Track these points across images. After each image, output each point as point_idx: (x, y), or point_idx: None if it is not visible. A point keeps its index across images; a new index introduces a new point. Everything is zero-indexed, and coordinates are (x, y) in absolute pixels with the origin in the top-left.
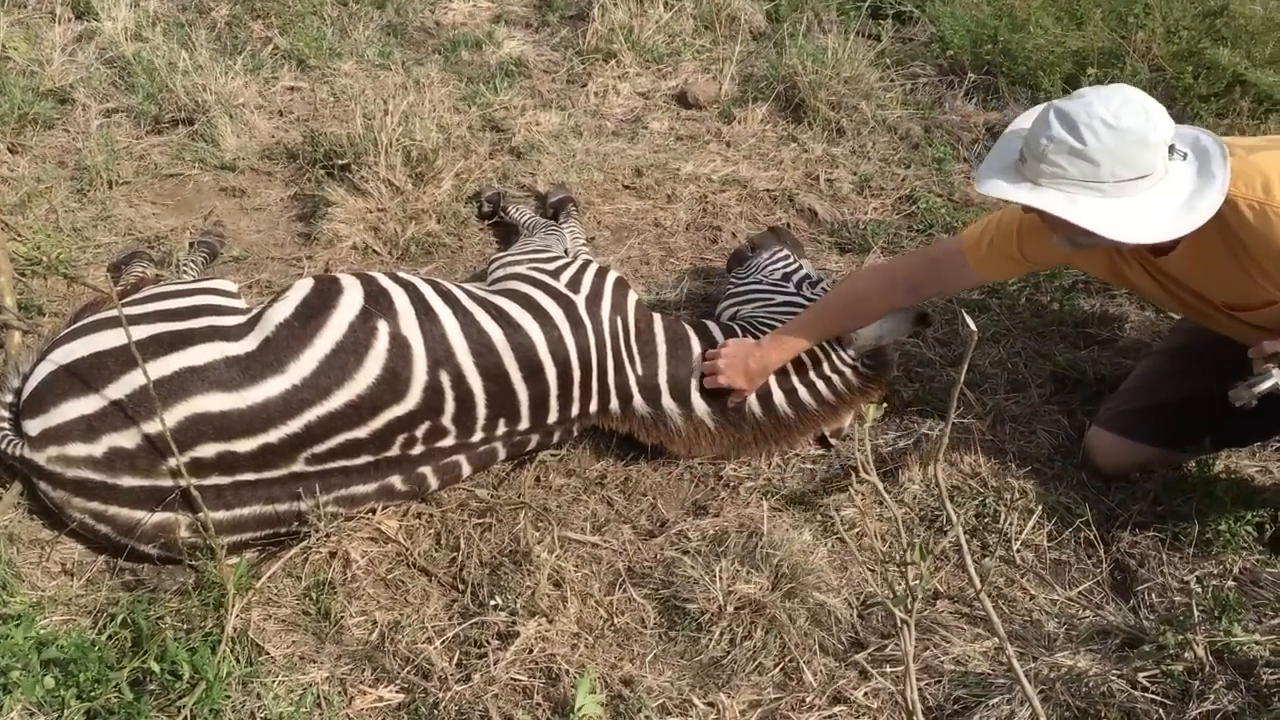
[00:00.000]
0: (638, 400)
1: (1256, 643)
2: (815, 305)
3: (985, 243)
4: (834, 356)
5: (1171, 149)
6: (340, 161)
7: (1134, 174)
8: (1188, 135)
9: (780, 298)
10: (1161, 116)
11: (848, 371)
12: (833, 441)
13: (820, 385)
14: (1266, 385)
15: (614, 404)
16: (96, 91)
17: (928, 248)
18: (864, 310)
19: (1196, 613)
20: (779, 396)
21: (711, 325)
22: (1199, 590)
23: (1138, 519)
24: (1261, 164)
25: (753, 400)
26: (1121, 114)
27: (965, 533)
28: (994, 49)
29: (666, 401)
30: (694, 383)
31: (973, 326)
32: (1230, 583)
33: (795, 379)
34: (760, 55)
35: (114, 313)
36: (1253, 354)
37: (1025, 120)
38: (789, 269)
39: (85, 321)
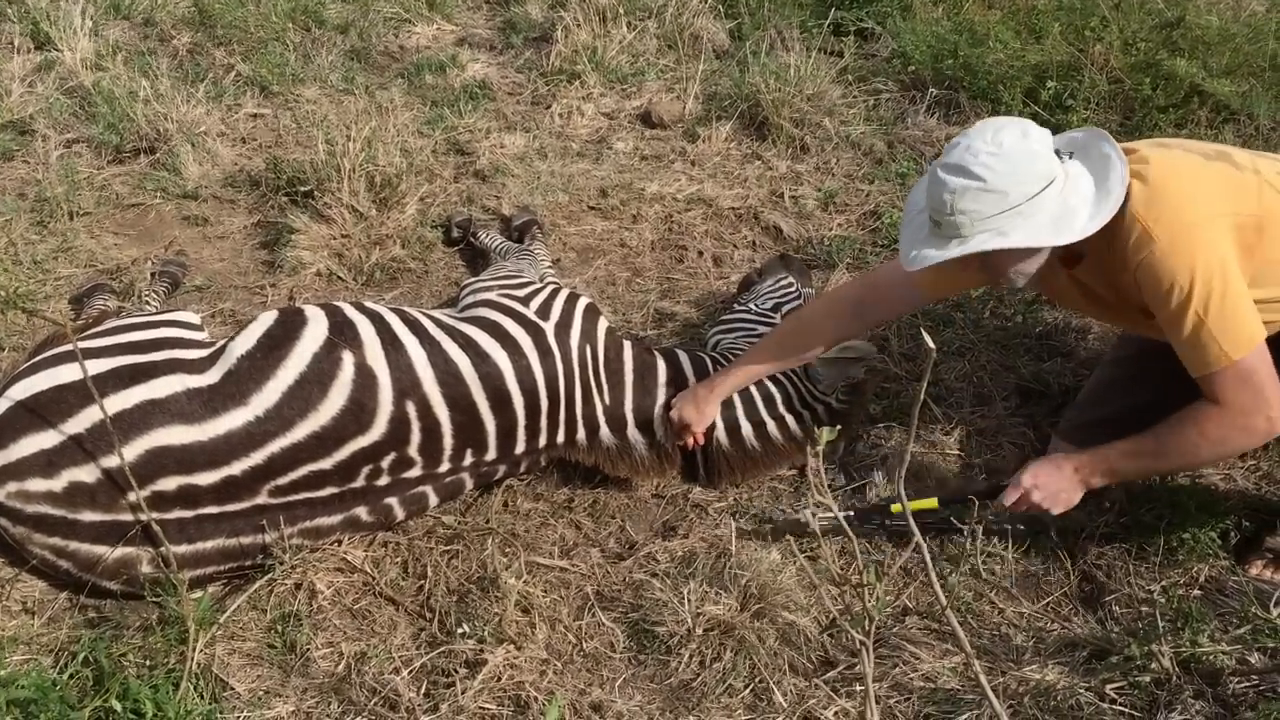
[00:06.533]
0: (604, 431)
1: (1223, 652)
2: (766, 335)
3: None
4: (804, 392)
5: (1057, 153)
6: (303, 188)
7: (1040, 185)
8: (1062, 138)
9: (763, 328)
10: (1034, 127)
11: (819, 408)
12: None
13: (790, 420)
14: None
15: (581, 434)
16: (57, 122)
17: (872, 271)
18: (812, 337)
19: (1162, 623)
20: (747, 429)
21: (681, 354)
22: (1164, 600)
23: (1104, 530)
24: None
25: (721, 432)
26: (1001, 140)
27: (933, 547)
28: (955, 64)
29: (631, 431)
30: (658, 411)
31: (930, 344)
32: (1196, 592)
33: (764, 413)
34: (724, 74)
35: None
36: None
37: (917, 197)
38: (784, 299)
39: (45, 355)
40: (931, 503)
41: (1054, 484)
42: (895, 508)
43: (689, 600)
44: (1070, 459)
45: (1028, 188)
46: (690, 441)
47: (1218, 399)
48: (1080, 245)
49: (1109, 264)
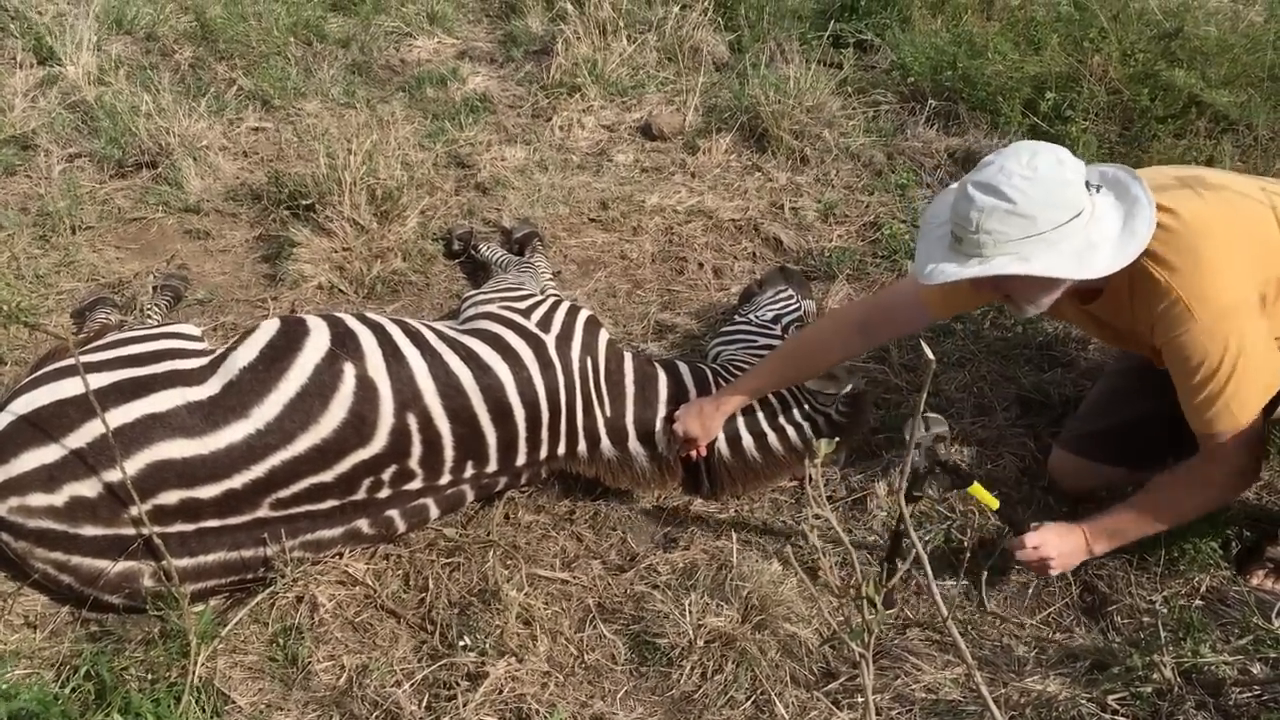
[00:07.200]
0: (605, 443)
1: (1225, 663)
2: (772, 353)
3: None
4: (805, 404)
5: (1087, 184)
6: (305, 202)
7: (1069, 214)
8: (1093, 171)
9: (763, 340)
10: (1069, 155)
11: (820, 419)
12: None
13: (791, 431)
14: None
15: (582, 447)
16: (59, 136)
17: (881, 291)
18: (818, 354)
19: (1163, 633)
20: (748, 440)
21: (682, 366)
22: (1165, 611)
23: None
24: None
25: (722, 444)
26: (1036, 164)
27: (933, 559)
28: (954, 75)
29: (633, 444)
30: (659, 423)
31: (930, 355)
32: (1198, 602)
33: (765, 424)
34: (723, 86)
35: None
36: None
37: (939, 210)
38: (783, 310)
39: (47, 370)
40: (994, 503)
41: (1064, 547)
42: (975, 489)
43: (690, 612)
44: (1079, 525)
45: (1056, 215)
46: (692, 454)
47: (1214, 458)
48: (1099, 282)
49: (1130, 317)
